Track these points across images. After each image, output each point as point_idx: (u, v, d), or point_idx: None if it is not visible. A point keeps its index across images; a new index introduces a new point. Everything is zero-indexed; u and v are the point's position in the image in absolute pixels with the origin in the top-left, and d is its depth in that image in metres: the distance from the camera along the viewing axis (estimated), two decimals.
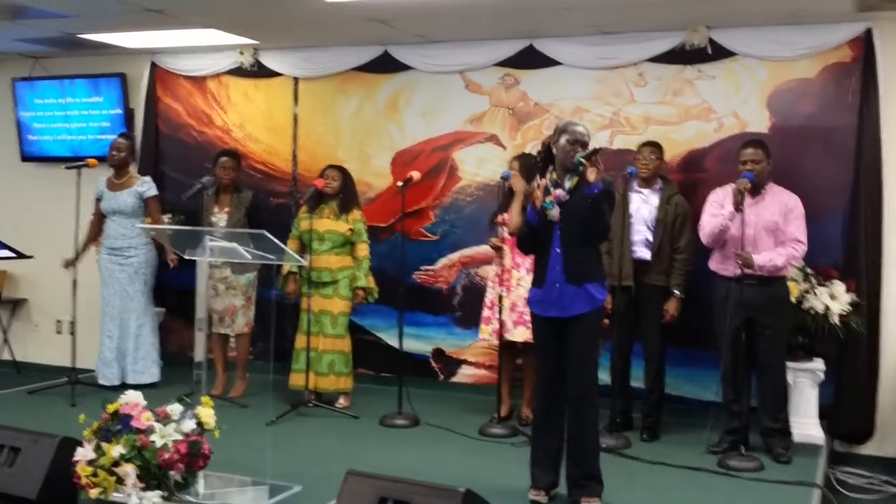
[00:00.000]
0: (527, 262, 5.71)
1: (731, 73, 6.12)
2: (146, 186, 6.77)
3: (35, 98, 7.94)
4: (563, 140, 4.31)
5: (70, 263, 6.65)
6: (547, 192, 4.29)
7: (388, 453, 5.26)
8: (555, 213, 4.27)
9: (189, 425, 4.01)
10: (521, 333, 5.68)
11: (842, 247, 5.81)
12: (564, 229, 4.28)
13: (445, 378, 6.93)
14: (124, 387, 6.28)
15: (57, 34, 6.92)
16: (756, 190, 5.24)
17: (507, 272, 5.80)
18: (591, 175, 4.16)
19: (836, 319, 5.48)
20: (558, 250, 4.29)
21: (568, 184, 4.30)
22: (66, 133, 7.89)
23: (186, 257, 4.64)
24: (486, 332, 5.94)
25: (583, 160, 4.18)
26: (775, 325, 5.25)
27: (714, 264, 5.43)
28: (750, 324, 5.22)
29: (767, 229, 5.23)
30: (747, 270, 5.10)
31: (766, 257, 5.16)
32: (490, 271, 6.05)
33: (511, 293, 5.78)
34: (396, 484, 3.61)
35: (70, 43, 7.21)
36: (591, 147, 4.30)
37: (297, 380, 6.21)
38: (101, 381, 6.72)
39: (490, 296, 5.93)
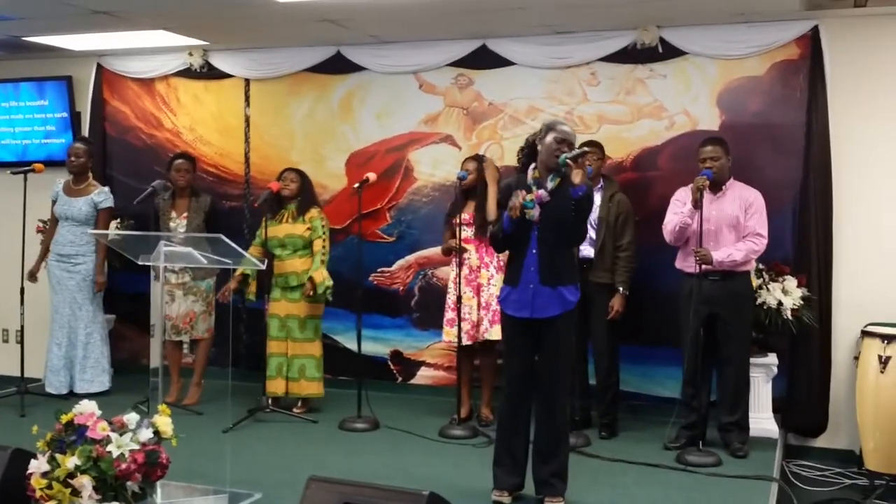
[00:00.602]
0: (495, 260, 5.72)
1: (681, 72, 6.18)
2: (102, 197, 6.62)
3: None
4: (549, 138, 4.24)
5: (33, 275, 6.58)
6: (528, 190, 4.21)
7: (348, 458, 5.22)
8: (535, 212, 4.19)
9: (146, 434, 3.93)
10: (497, 332, 5.56)
11: (792, 242, 5.90)
12: (543, 230, 4.22)
13: (404, 380, 6.90)
14: (73, 396, 6.19)
15: (2, 37, 6.76)
16: (717, 186, 5.30)
17: (473, 272, 5.79)
18: (577, 177, 4.10)
19: (788, 314, 5.55)
20: (535, 251, 4.23)
21: (550, 184, 4.24)
22: (10, 137, 7.72)
23: (141, 263, 4.54)
24: (452, 335, 5.85)
25: (569, 161, 4.11)
26: (738, 320, 5.30)
27: (678, 262, 5.47)
28: (713, 319, 5.28)
29: (728, 225, 5.29)
30: (706, 267, 5.15)
31: (725, 253, 5.21)
32: (450, 273, 6.00)
33: (483, 292, 5.77)
34: (359, 489, 3.57)
35: (15, 46, 7.06)
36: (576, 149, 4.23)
37: (271, 387, 6.14)
38: (49, 390, 6.60)
39: (453, 297, 5.91)
